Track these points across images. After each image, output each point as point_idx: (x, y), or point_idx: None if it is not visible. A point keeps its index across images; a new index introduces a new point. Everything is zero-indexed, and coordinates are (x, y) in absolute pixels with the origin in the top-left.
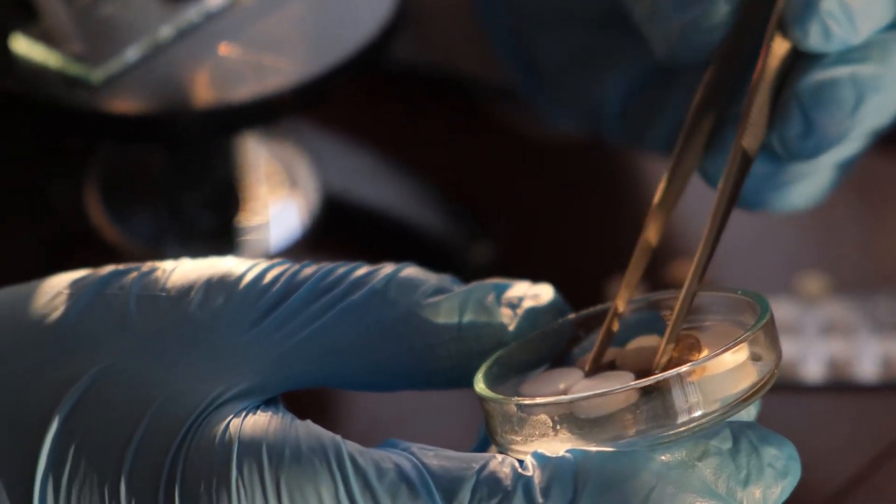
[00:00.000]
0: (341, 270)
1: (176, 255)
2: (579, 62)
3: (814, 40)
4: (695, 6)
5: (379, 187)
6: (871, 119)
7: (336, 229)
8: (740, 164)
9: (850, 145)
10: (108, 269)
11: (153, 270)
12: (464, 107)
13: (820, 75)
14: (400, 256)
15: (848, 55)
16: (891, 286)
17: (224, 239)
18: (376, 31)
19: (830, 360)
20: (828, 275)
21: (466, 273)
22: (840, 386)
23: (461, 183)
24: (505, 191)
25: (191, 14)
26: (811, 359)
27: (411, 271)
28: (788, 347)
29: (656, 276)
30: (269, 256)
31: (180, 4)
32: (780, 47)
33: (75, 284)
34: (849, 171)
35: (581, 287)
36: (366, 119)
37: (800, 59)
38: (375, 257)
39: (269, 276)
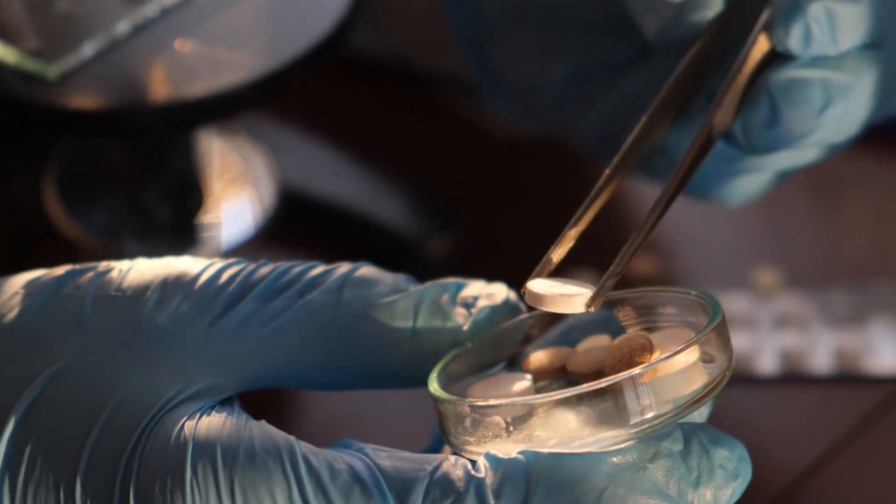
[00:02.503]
0: (297, 270)
1: (134, 249)
2: (527, 55)
3: (794, 41)
4: None
5: (337, 181)
6: (832, 128)
7: (294, 223)
8: (704, 140)
9: (805, 153)
10: (65, 268)
11: (109, 270)
12: (423, 100)
13: (793, 73)
14: (359, 250)
15: (822, 61)
16: (844, 280)
17: (182, 233)
18: (333, 24)
19: (784, 353)
20: (782, 268)
21: (425, 267)
22: (794, 378)
23: (420, 176)
24: (464, 185)
25: (147, 9)
26: (765, 351)
27: (367, 270)
28: (743, 340)
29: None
30: (227, 251)
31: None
32: (762, 44)
33: (31, 284)
34: (785, 179)
35: None
36: (324, 112)
37: (776, 58)
38: (334, 251)
39: (224, 276)
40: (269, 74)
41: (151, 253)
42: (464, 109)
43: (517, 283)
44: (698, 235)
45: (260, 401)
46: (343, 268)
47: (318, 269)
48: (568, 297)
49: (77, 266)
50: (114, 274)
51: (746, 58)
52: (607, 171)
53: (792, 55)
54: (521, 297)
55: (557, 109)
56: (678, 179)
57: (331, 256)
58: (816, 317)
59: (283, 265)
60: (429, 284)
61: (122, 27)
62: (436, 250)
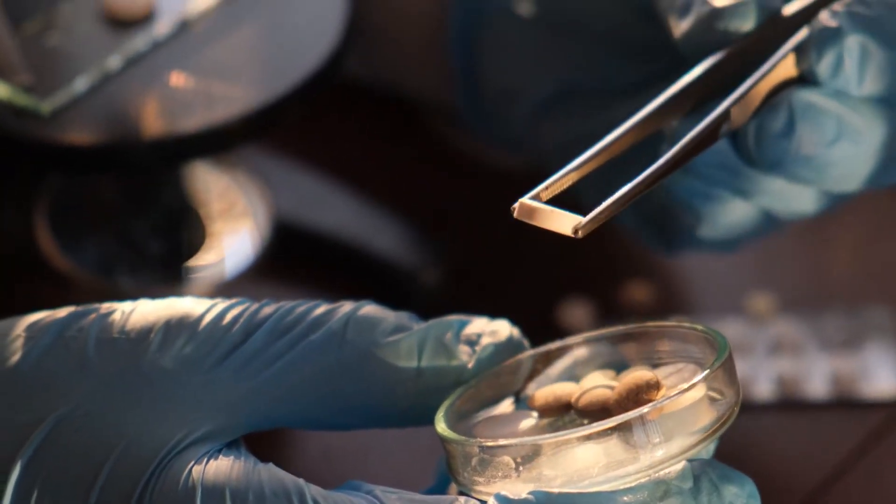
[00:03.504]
0: (300, 310)
1: (126, 284)
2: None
3: (824, 67)
4: None
5: (330, 212)
6: (836, 171)
7: (287, 254)
8: (713, 129)
9: (797, 195)
10: (67, 310)
11: (112, 312)
12: (416, 130)
13: (814, 97)
14: (352, 282)
15: (842, 98)
16: (838, 304)
17: (174, 266)
18: (326, 56)
19: (780, 379)
20: (775, 294)
21: (418, 298)
22: (790, 404)
23: (413, 208)
24: (458, 216)
25: (138, 43)
26: (761, 377)
27: (370, 310)
28: (738, 366)
29: (610, 298)
30: (221, 284)
31: (128, 33)
32: (789, 63)
33: (33, 327)
34: (773, 229)
35: (533, 312)
36: (316, 142)
37: (799, 81)
38: (327, 283)
39: (228, 317)
40: (263, 108)
41: (144, 287)
42: (457, 140)
43: (511, 314)
44: (692, 262)
45: (257, 435)
46: (346, 307)
47: (322, 309)
48: (559, 214)
49: (79, 308)
50: (116, 316)
51: (774, 68)
52: (618, 130)
53: (816, 82)
54: (512, 213)
55: (533, 122)
56: (676, 155)
57: (324, 288)
58: (811, 342)
59: (286, 305)
60: (432, 322)
61: (114, 61)
62: (429, 282)
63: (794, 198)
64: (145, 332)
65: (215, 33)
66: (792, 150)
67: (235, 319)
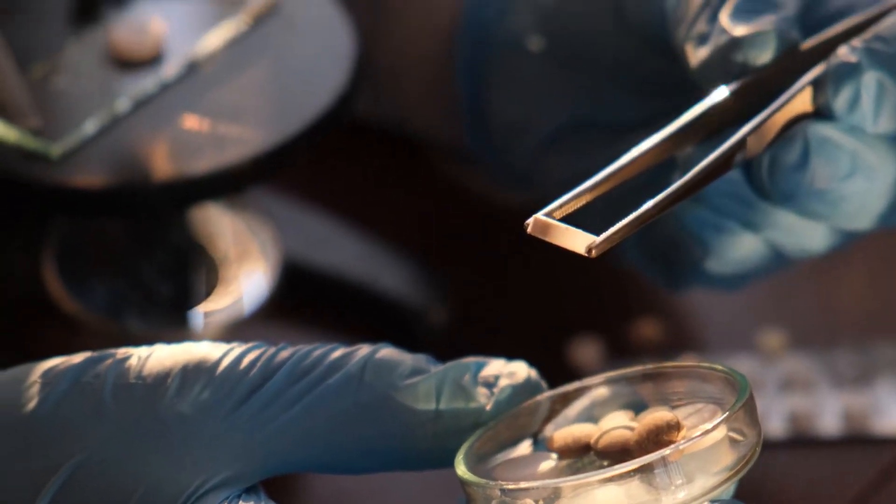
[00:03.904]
0: (317, 353)
1: (135, 326)
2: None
3: (840, 102)
4: (753, 23)
5: (336, 251)
6: (850, 206)
7: (295, 294)
8: (727, 157)
9: (816, 234)
10: (82, 356)
11: (128, 357)
12: (422, 169)
13: (829, 132)
14: (360, 321)
15: (857, 134)
16: (848, 340)
17: (183, 308)
18: (335, 96)
19: (792, 416)
20: (786, 331)
21: (426, 337)
22: (802, 441)
23: (420, 246)
24: (465, 254)
25: (146, 84)
26: (773, 414)
27: (387, 353)
28: None
29: (621, 336)
30: (230, 326)
31: (136, 74)
32: (805, 96)
33: (48, 373)
34: (780, 267)
35: (542, 350)
36: (323, 181)
37: (814, 115)
38: (336, 322)
39: (245, 361)
40: (274, 149)
41: (153, 329)
42: (464, 177)
43: (520, 352)
44: (702, 299)
45: (268, 479)
46: (363, 350)
47: (339, 353)
48: (573, 232)
49: (95, 353)
50: (133, 361)
51: (791, 100)
52: (632, 153)
53: (832, 116)
54: (525, 228)
55: (540, 157)
56: (690, 181)
57: (333, 327)
58: (822, 378)
59: (303, 349)
60: (450, 365)
61: (123, 103)
62: (437, 320)
63: (804, 233)
64: (162, 378)
65: (224, 74)
66: (805, 183)
67: (253, 364)
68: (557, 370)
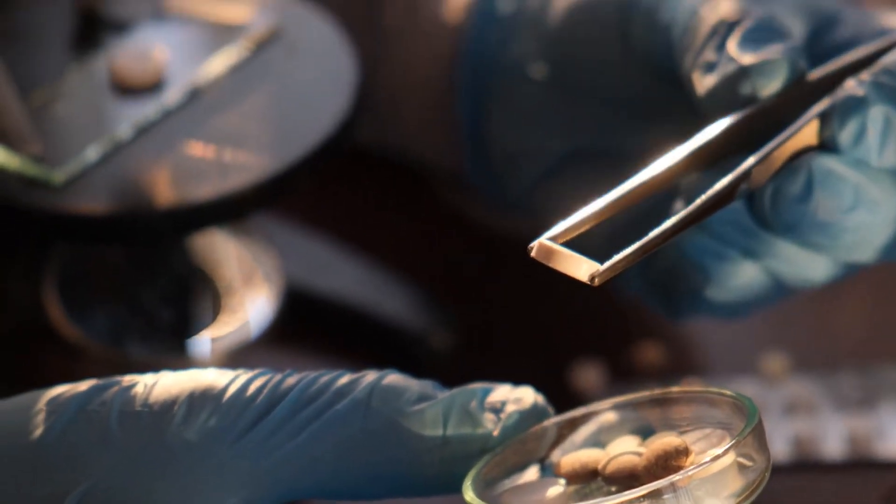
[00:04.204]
0: (324, 380)
1: (137, 352)
2: (532, 120)
3: (846, 135)
4: (762, 52)
5: (338, 277)
6: (851, 239)
7: (297, 320)
8: (731, 187)
9: (816, 265)
10: (88, 383)
11: (134, 385)
12: (423, 194)
13: (834, 165)
14: (362, 346)
15: (861, 168)
16: (851, 363)
17: (185, 334)
18: (337, 122)
19: (795, 439)
20: (788, 354)
21: (428, 363)
22: (806, 465)
23: (422, 271)
24: (467, 279)
25: (148, 111)
26: (776, 438)
27: (394, 379)
28: None
29: (623, 360)
30: (232, 352)
31: (138, 101)
32: (812, 129)
33: (54, 401)
34: (781, 297)
35: (544, 375)
36: (324, 207)
37: (819, 148)
38: (338, 347)
39: (252, 388)
40: (276, 175)
41: (155, 356)
42: (465, 204)
43: (522, 377)
44: (703, 323)
45: None
46: (370, 376)
47: (345, 379)
48: (577, 259)
49: (100, 381)
50: (139, 389)
51: (798, 132)
52: (637, 179)
53: (837, 149)
54: (529, 252)
55: (542, 185)
56: (694, 211)
57: (335, 353)
58: (826, 401)
59: (309, 375)
60: (456, 391)
61: (125, 129)
62: (439, 346)
63: (805, 264)
64: (169, 405)
65: (226, 101)
66: (808, 215)
67: (259, 391)
68: (559, 394)
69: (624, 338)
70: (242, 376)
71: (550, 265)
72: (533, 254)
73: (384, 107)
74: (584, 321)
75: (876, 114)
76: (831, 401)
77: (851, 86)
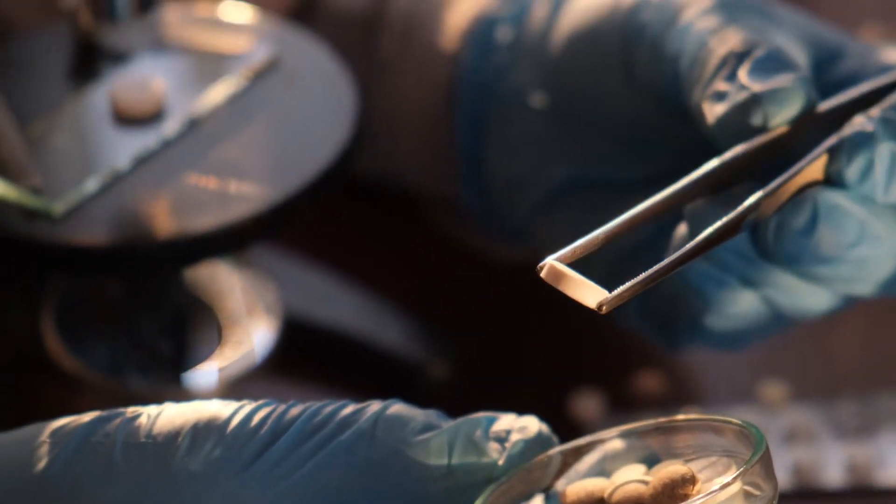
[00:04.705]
0: (328, 410)
1: (136, 384)
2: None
3: (852, 171)
4: (773, 80)
5: (336, 306)
6: (852, 273)
7: (295, 350)
8: (738, 221)
9: (815, 296)
10: (91, 415)
11: (137, 416)
12: (418, 223)
13: (839, 199)
14: (361, 376)
15: (866, 204)
16: (851, 391)
17: (183, 365)
18: (337, 152)
19: (795, 467)
20: (787, 381)
21: (425, 390)
22: (806, 493)
23: (419, 300)
24: (464, 308)
25: (148, 141)
26: (776, 466)
27: (398, 408)
28: None
29: (621, 388)
30: (231, 382)
31: (137, 132)
32: (819, 164)
33: (57, 433)
34: (780, 327)
35: (543, 404)
36: (321, 237)
37: (826, 182)
38: (336, 377)
39: (256, 419)
40: (277, 206)
41: (154, 387)
42: (462, 233)
43: (521, 406)
44: (702, 351)
45: None
46: (374, 406)
47: (350, 409)
48: (585, 285)
49: (104, 412)
50: (143, 420)
51: (806, 168)
52: (645, 204)
53: (844, 184)
54: (539, 272)
55: (540, 214)
56: (701, 242)
57: (334, 383)
58: (825, 429)
59: (313, 405)
60: (461, 420)
61: (123, 160)
62: (437, 374)
63: (804, 295)
64: (173, 436)
65: (225, 131)
66: (810, 248)
67: (263, 421)
68: (558, 423)
69: (623, 366)
70: (246, 407)
71: (559, 288)
72: (542, 274)
73: (380, 135)
74: (583, 350)
75: (884, 150)
76: (831, 429)
77: (860, 122)
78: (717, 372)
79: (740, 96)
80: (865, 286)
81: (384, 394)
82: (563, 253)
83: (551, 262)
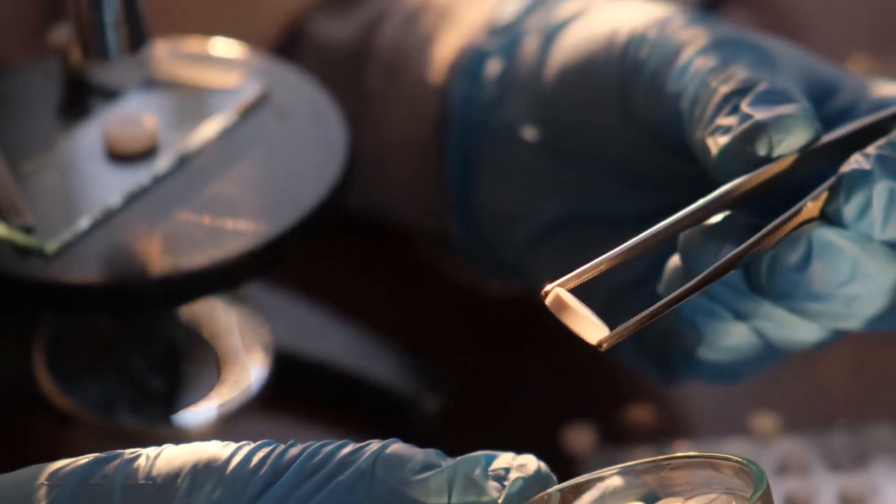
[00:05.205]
0: (327, 449)
1: (128, 421)
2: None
3: (850, 209)
4: (777, 109)
5: (327, 341)
6: (842, 309)
7: (287, 386)
8: (736, 259)
9: (805, 329)
10: (90, 457)
11: (136, 457)
12: (407, 256)
13: (834, 237)
14: (352, 411)
15: (860, 243)
16: (842, 422)
17: (176, 402)
18: (330, 187)
19: (788, 499)
20: (779, 413)
21: (418, 425)
22: None
23: (409, 334)
24: (454, 342)
25: (140, 178)
26: None
27: (397, 448)
28: None
29: (613, 421)
30: (223, 418)
31: (129, 168)
32: (818, 203)
33: (55, 475)
34: (774, 359)
35: (536, 438)
36: (310, 272)
37: (822, 218)
38: (328, 412)
39: (255, 459)
40: (271, 241)
41: (146, 424)
42: (451, 266)
43: (513, 440)
44: (694, 383)
45: None
46: (373, 446)
47: (349, 448)
48: (587, 319)
49: (102, 454)
50: (142, 461)
51: (805, 207)
52: (648, 232)
53: (840, 222)
54: (543, 298)
55: (532, 249)
56: (701, 280)
57: (326, 418)
58: (817, 461)
59: (312, 445)
60: (460, 459)
61: (115, 197)
62: (429, 409)
63: (793, 328)
64: (172, 478)
65: (218, 166)
66: (803, 285)
67: (263, 462)
68: (551, 456)
69: (614, 399)
70: (245, 447)
71: (560, 318)
72: (547, 302)
73: (368, 168)
74: (575, 383)
75: (881, 189)
76: (823, 460)
77: (857, 160)
78: (709, 404)
79: (745, 125)
80: (854, 322)
81: (376, 428)
82: (568, 279)
83: (557, 291)
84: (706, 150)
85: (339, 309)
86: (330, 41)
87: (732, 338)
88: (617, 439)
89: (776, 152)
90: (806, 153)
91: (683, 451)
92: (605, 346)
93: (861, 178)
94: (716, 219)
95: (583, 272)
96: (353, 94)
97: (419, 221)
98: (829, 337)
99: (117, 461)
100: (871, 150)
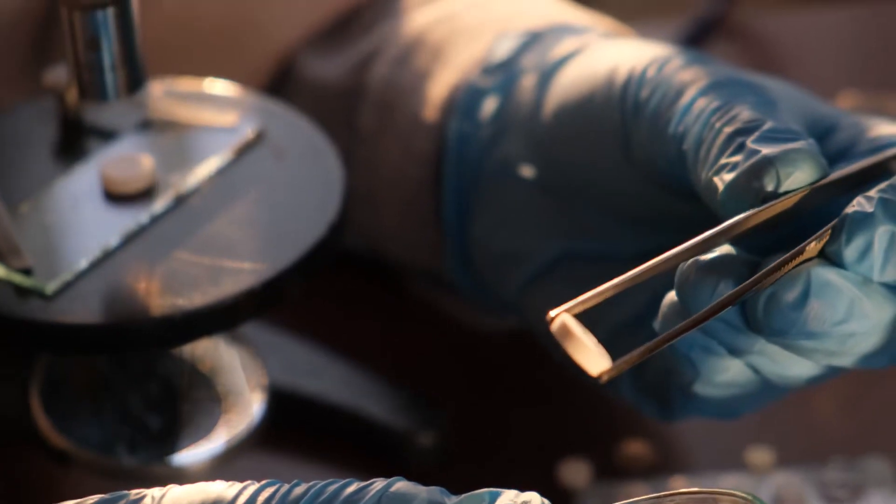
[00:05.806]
0: (332, 488)
1: (125, 460)
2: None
3: (851, 251)
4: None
5: (322, 379)
6: (835, 347)
7: (284, 423)
8: (734, 297)
9: (798, 366)
10: (94, 498)
11: (141, 498)
12: (402, 294)
13: (833, 277)
14: (347, 448)
15: (858, 283)
16: (836, 455)
17: (173, 441)
18: (328, 225)
19: None
20: (774, 446)
21: (413, 462)
22: None
23: (404, 372)
24: (449, 378)
25: (138, 218)
26: None
27: (402, 486)
28: None
29: (609, 456)
30: (220, 455)
31: (127, 209)
32: (818, 245)
33: None
34: (772, 395)
35: (531, 473)
36: (305, 310)
37: (821, 258)
38: (325, 449)
39: (260, 500)
40: (270, 281)
41: (143, 462)
42: (446, 303)
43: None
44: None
45: None
46: (378, 484)
47: (354, 487)
48: (591, 350)
49: (106, 495)
50: (146, 502)
51: (806, 249)
52: (653, 261)
53: (840, 262)
54: (548, 323)
55: (529, 288)
56: (702, 316)
57: (322, 455)
58: (812, 496)
59: (317, 485)
60: (464, 497)
61: (114, 238)
62: (425, 445)
63: (787, 364)
64: None
65: (215, 206)
66: (799, 323)
67: (268, 501)
68: (547, 491)
69: (610, 434)
70: (250, 487)
71: (564, 346)
72: (552, 328)
73: (360, 206)
74: (570, 418)
75: (883, 232)
76: (819, 493)
77: (861, 202)
78: (704, 438)
79: (753, 159)
80: (847, 359)
81: (372, 464)
82: (573, 304)
83: (563, 318)
84: (712, 189)
85: (333, 346)
86: (321, 79)
87: (728, 373)
88: (613, 475)
89: (784, 187)
90: (810, 190)
91: (679, 485)
92: (604, 378)
93: (863, 221)
94: (712, 254)
95: (589, 298)
96: (346, 132)
97: (412, 258)
98: (824, 373)
99: (122, 503)
100: (874, 193)
